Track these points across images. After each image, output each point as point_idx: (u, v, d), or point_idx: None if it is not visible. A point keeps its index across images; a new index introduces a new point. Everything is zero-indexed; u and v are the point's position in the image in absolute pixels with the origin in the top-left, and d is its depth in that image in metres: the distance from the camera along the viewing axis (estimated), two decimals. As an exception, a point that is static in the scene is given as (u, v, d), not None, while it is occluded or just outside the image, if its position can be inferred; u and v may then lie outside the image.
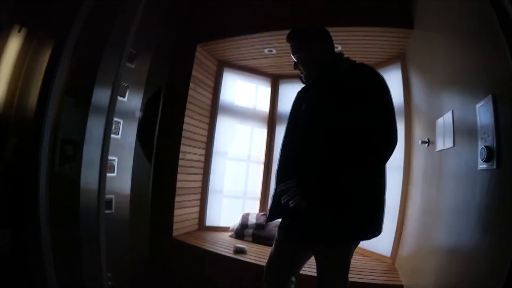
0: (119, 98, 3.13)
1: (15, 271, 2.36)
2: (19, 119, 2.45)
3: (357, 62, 1.89)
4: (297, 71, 2.08)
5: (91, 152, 2.72)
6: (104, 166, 2.69)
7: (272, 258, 2.04)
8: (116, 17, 2.71)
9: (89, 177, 2.72)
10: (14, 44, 2.49)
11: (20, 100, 2.47)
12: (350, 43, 3.33)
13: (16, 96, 2.47)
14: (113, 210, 3.14)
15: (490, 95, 1.42)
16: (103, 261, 2.58)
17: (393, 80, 3.37)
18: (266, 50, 3.76)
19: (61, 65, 2.40)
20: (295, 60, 2.02)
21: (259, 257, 3.21)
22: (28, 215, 2.34)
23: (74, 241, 2.61)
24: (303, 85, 2.15)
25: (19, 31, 2.47)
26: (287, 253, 1.97)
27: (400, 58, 3.33)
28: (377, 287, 2.58)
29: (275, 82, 4.51)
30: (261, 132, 4.52)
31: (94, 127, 2.73)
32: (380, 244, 3.23)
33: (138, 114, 3.40)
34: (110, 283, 2.89)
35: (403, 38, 3.09)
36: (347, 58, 1.94)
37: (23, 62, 2.48)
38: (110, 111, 2.75)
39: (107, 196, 3.06)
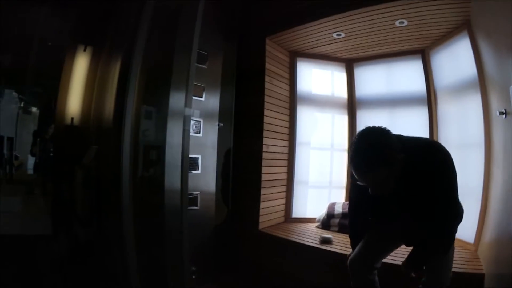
0: (197, 98, 3.25)
1: (100, 266, 2.58)
2: (98, 128, 2.66)
3: (410, 138, 1.91)
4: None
5: (173, 153, 2.88)
6: (186, 165, 2.83)
7: (363, 250, 2.19)
8: (178, 21, 2.82)
9: (173, 177, 2.87)
10: (82, 62, 2.71)
11: (97, 111, 2.68)
12: (414, 16, 3.23)
13: (92, 108, 2.68)
14: (198, 207, 3.28)
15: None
16: (185, 255, 2.73)
17: (464, 50, 3.22)
18: (334, 35, 3.75)
19: (133, 74, 2.57)
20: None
21: (345, 247, 3.21)
22: (112, 214, 2.55)
23: (158, 237, 2.78)
24: None
25: (84, 50, 2.68)
26: (382, 247, 2.21)
27: (467, 26, 3.15)
28: (456, 275, 2.41)
29: (350, 66, 4.47)
30: (342, 119, 4.50)
31: (174, 129, 2.88)
32: (464, 230, 3.00)
33: (219, 125, 3.54)
34: (194, 276, 3.05)
35: (465, 3, 2.91)
36: (400, 138, 1.82)
37: (94, 76, 2.70)
38: (187, 112, 2.89)
39: (193, 193, 3.20)
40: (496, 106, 2.57)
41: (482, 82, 2.96)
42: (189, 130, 2.95)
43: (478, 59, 3.00)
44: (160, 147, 2.88)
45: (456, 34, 3.35)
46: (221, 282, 3.45)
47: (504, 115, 2.27)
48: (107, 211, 2.61)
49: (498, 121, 2.55)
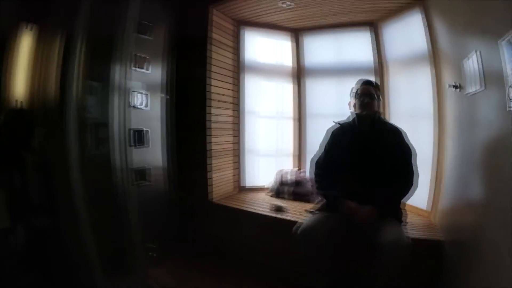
0: (142, 71, 3.15)
1: (53, 253, 2.50)
2: (44, 110, 2.53)
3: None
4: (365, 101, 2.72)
5: (118, 128, 2.78)
6: (128, 140, 2.76)
7: (314, 221, 2.59)
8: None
9: (120, 153, 2.79)
10: (26, 42, 2.56)
11: (42, 92, 2.54)
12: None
13: (38, 89, 2.55)
14: (150, 182, 3.20)
15: (514, 29, 1.32)
16: (134, 233, 2.69)
17: (417, 25, 3.28)
18: (283, 4, 3.67)
19: (75, 51, 2.45)
20: (372, 94, 2.73)
21: (298, 214, 3.29)
22: (63, 199, 2.45)
23: (112, 217, 2.72)
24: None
25: (28, 28, 2.52)
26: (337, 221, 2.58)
27: (421, 2, 3.18)
28: (414, 242, 2.54)
29: (297, 36, 4.45)
30: (289, 88, 4.50)
31: (118, 104, 2.78)
32: (418, 197, 3.17)
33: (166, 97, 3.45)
34: (154, 254, 3.02)
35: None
36: None
37: (38, 56, 2.56)
38: (126, 84, 2.80)
39: (142, 168, 3.12)
40: (447, 79, 2.67)
41: (434, 56, 3.06)
42: (127, 104, 2.88)
43: (431, 34, 3.07)
44: (106, 124, 2.78)
45: (410, 9, 3.37)
46: (180, 256, 3.44)
47: (455, 89, 2.38)
48: (59, 195, 2.51)
49: (449, 94, 2.67)
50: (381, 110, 2.86)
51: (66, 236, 2.52)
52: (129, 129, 3.00)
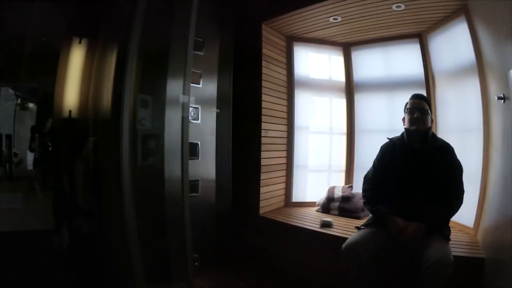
0: (194, 85, 3.23)
1: (97, 257, 2.61)
2: (96, 119, 2.65)
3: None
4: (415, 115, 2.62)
5: (172, 141, 2.87)
6: (186, 152, 2.84)
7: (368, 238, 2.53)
8: (174, 8, 2.81)
9: (173, 165, 2.88)
10: (78, 54, 2.70)
11: (94, 103, 2.67)
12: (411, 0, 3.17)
13: (90, 100, 2.67)
14: (199, 194, 3.29)
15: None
16: (188, 242, 2.75)
17: (462, 35, 3.18)
18: (331, 19, 3.71)
19: (129, 63, 2.55)
20: (423, 109, 2.63)
21: (345, 230, 3.25)
22: (114, 205, 2.56)
23: (161, 225, 2.80)
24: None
25: (80, 42, 2.67)
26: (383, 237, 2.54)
27: (464, 11, 3.09)
28: (455, 259, 2.43)
29: (347, 50, 4.43)
30: (340, 103, 4.47)
31: (172, 117, 2.87)
32: (463, 214, 3.03)
33: (216, 111, 3.54)
34: (196, 263, 3.07)
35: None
36: None
37: (90, 68, 2.69)
38: (184, 100, 2.88)
39: (193, 179, 3.20)
40: (494, 91, 2.57)
41: (480, 67, 2.95)
42: (187, 117, 2.94)
43: (476, 44, 2.97)
44: (158, 136, 2.88)
45: (454, 19, 3.29)
46: (223, 268, 3.48)
47: (502, 100, 2.28)
48: (108, 202, 2.63)
49: (496, 106, 2.56)
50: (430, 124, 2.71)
51: (111, 242, 2.63)
52: (186, 143, 3.08)
